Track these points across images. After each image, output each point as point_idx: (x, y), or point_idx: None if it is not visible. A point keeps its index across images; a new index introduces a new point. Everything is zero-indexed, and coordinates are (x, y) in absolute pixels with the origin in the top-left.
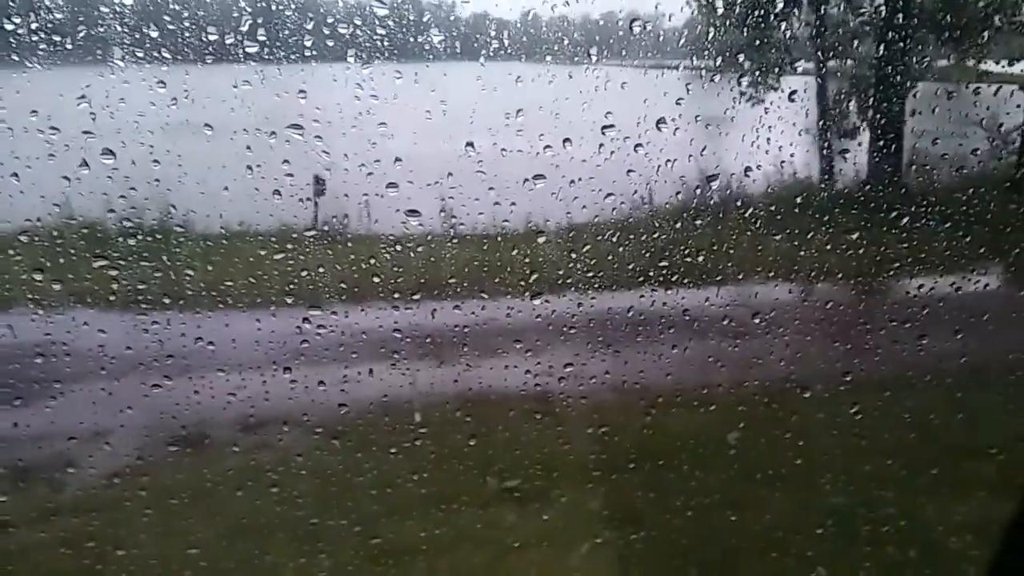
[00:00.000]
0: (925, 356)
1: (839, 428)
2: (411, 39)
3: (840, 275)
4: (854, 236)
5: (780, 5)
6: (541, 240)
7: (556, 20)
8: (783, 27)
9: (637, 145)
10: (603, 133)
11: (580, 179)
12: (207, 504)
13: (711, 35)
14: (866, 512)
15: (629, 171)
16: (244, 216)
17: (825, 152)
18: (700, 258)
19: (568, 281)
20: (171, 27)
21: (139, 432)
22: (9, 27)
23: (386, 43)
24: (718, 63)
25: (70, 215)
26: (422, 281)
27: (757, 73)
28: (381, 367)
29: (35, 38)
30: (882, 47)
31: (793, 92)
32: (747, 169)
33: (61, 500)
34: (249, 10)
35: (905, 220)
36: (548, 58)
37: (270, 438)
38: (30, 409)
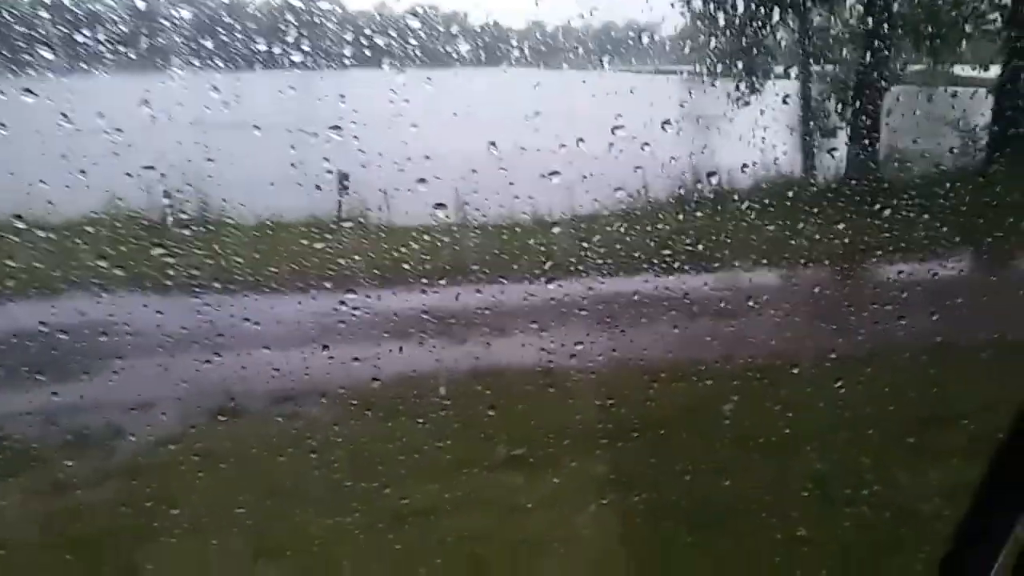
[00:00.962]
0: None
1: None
2: (440, 48)
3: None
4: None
5: (767, 13)
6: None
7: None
8: (770, 33)
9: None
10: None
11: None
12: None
13: (703, 41)
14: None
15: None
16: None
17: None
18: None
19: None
20: (224, 38)
21: None
22: (79, 39)
23: (418, 52)
24: (714, 68)
25: (131, 208)
26: (447, 268)
27: (747, 77)
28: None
29: (102, 48)
30: (863, 52)
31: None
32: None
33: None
34: (295, 23)
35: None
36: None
37: None
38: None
